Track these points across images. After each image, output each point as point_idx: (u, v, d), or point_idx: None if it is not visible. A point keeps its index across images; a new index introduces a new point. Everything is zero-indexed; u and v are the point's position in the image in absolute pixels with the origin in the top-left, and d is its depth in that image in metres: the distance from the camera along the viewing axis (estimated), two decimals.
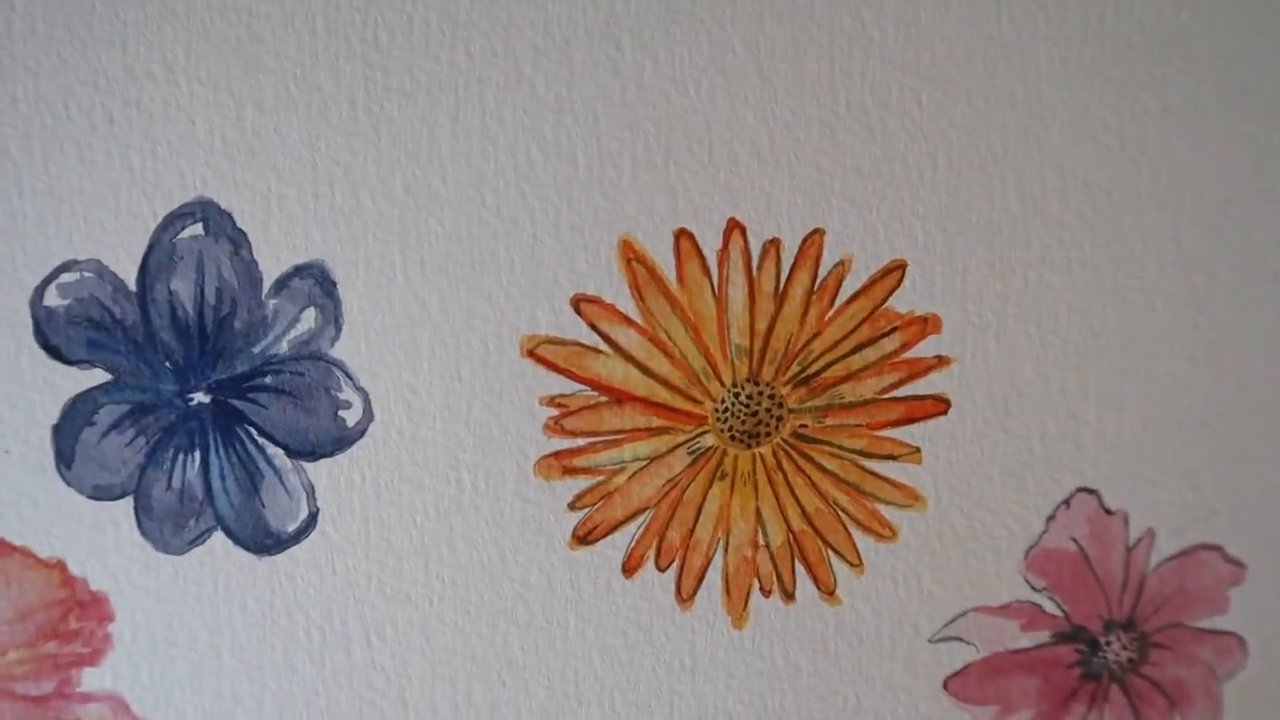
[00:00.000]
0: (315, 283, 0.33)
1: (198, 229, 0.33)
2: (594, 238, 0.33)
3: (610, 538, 0.34)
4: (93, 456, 0.34)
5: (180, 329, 0.34)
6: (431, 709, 0.34)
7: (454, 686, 0.34)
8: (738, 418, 0.33)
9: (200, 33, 0.33)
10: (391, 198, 0.33)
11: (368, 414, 0.34)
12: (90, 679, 0.35)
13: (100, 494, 0.34)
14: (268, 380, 0.34)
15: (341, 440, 0.34)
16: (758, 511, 0.33)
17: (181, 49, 0.33)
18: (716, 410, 0.33)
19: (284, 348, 0.33)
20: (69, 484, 0.34)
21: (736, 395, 0.33)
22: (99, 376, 0.34)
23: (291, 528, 0.34)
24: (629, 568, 0.34)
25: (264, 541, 0.34)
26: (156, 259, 0.33)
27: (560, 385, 0.33)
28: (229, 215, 0.33)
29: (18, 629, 0.35)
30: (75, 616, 0.35)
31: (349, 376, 0.33)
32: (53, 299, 0.34)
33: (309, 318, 0.33)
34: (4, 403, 0.34)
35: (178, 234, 0.33)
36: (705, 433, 0.33)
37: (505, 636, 0.34)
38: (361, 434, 0.34)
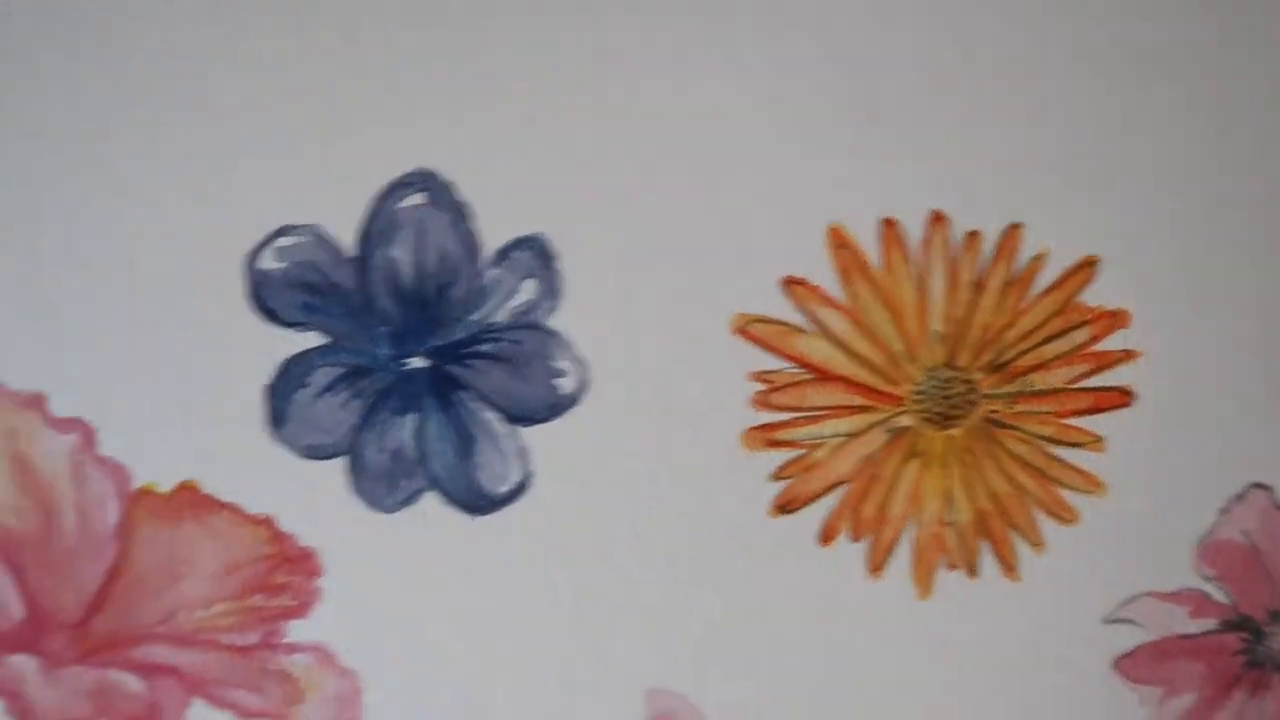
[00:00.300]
0: (535, 255, 0.34)
1: (419, 198, 0.34)
2: (804, 224, 0.34)
3: (809, 508, 0.36)
4: (306, 417, 0.35)
5: (398, 296, 0.34)
6: (635, 669, 0.36)
7: (658, 647, 0.36)
8: (933, 400, 0.35)
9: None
10: (615, 175, 0.34)
11: (583, 383, 0.35)
12: (297, 631, 0.36)
13: (313, 454, 0.35)
14: (485, 347, 0.35)
15: (555, 407, 0.35)
16: (948, 490, 0.36)
17: None
18: (914, 392, 0.35)
19: (502, 317, 0.34)
20: (282, 443, 0.35)
21: (933, 379, 0.35)
22: (314, 340, 0.35)
23: (504, 489, 0.35)
24: (825, 537, 0.36)
25: (476, 502, 0.35)
26: (377, 226, 0.34)
27: (768, 362, 0.35)
28: (449, 186, 0.34)
29: (224, 582, 0.36)
30: (283, 571, 0.36)
31: (565, 346, 0.35)
32: (269, 262, 0.34)
33: (528, 288, 0.34)
34: (220, 364, 0.35)
35: (399, 202, 0.34)
36: (902, 413, 0.35)
37: (707, 600, 0.36)
38: (574, 401, 0.35)
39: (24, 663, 0.37)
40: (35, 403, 0.35)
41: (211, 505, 0.36)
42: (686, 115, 0.34)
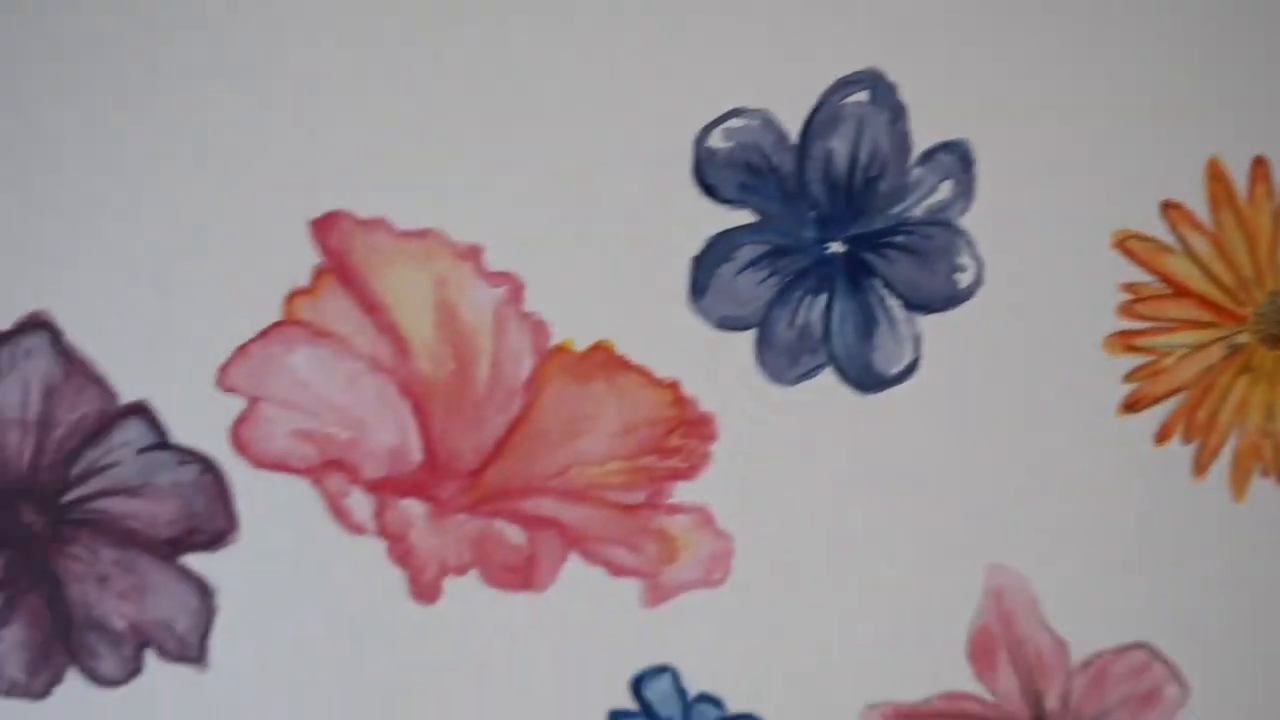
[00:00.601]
0: (957, 159, 0.37)
1: (863, 96, 0.37)
2: (1186, 156, 0.38)
3: (1150, 410, 0.40)
4: (725, 290, 0.37)
5: (830, 184, 0.37)
6: (978, 545, 0.40)
7: (1000, 525, 0.40)
8: (1270, 322, 0.40)
9: None
10: (1034, 93, 0.37)
11: (978, 279, 0.38)
12: (681, 492, 0.39)
13: (726, 324, 0.38)
14: (899, 239, 0.38)
15: (952, 299, 0.38)
16: (1271, 404, 0.40)
17: None
18: (1255, 313, 0.40)
19: (919, 212, 0.38)
20: (698, 313, 0.38)
21: (1274, 303, 0.40)
22: (743, 218, 0.37)
23: (895, 370, 0.38)
24: (1161, 436, 0.40)
25: (867, 381, 0.38)
26: (821, 118, 0.37)
27: (1136, 275, 0.39)
28: (894, 87, 0.37)
29: (621, 441, 0.38)
30: (679, 434, 0.38)
31: (970, 245, 0.38)
32: (717, 141, 0.36)
33: (945, 189, 0.37)
34: (652, 233, 0.37)
35: (845, 98, 0.37)
36: (1241, 331, 0.40)
37: (1048, 484, 0.40)
38: (969, 295, 0.38)
39: (413, 507, 0.38)
40: (471, 254, 0.37)
41: (622, 366, 0.38)
42: (1101, 49, 0.37)
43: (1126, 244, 0.39)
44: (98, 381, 0.37)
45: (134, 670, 0.39)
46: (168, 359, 0.37)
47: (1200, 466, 0.40)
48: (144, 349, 0.37)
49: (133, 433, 0.38)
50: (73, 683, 0.39)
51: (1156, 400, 0.40)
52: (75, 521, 0.38)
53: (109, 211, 0.36)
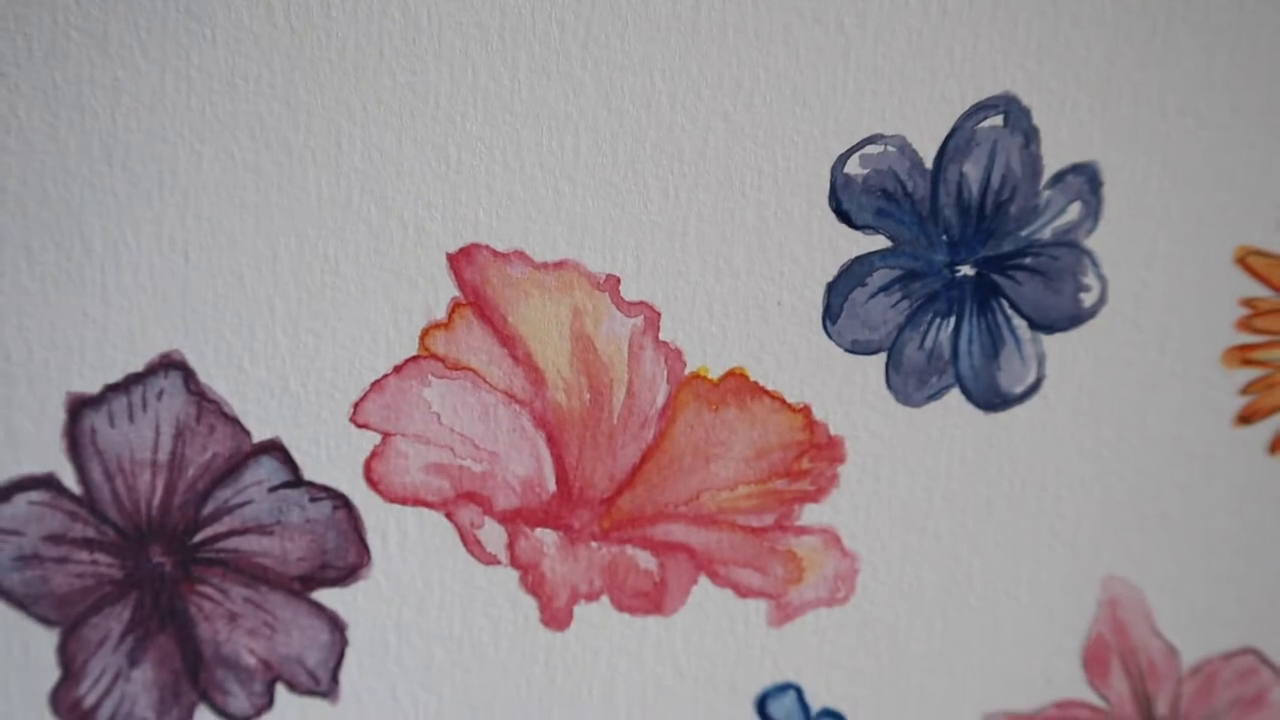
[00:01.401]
0: (1085, 181, 0.38)
1: (998, 120, 0.37)
2: None
3: (1266, 421, 0.41)
4: (858, 314, 0.38)
5: (962, 208, 0.38)
6: (1094, 555, 0.41)
7: (1115, 536, 0.41)
8: None
9: None
10: (1156, 114, 0.38)
11: (1102, 299, 0.39)
12: (809, 514, 0.40)
13: (857, 349, 0.39)
14: (1027, 261, 0.39)
15: (1076, 318, 0.39)
16: None
17: None
18: None
19: (1047, 234, 0.38)
20: (830, 337, 0.38)
21: None
22: (878, 243, 0.38)
23: (1019, 389, 0.40)
24: (1275, 447, 0.42)
25: (993, 400, 0.39)
26: (956, 143, 0.37)
27: (1256, 290, 0.40)
28: (1027, 111, 0.37)
29: (752, 466, 0.39)
30: (809, 457, 0.39)
31: (1094, 265, 0.39)
32: (854, 168, 0.37)
33: (1073, 210, 0.38)
34: (788, 259, 0.37)
35: (979, 123, 0.37)
36: None
37: (1164, 495, 0.41)
38: (1093, 314, 0.39)
39: (546, 537, 0.39)
40: (609, 284, 0.37)
41: (756, 391, 0.39)
42: (1220, 69, 0.38)
43: (1246, 259, 0.40)
44: (230, 421, 0.38)
45: (264, 705, 0.40)
46: (300, 397, 0.37)
47: None
48: (277, 387, 0.37)
49: (264, 471, 0.38)
50: None
51: (1272, 412, 0.41)
52: (206, 561, 0.39)
53: (242, 251, 0.36)
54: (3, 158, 0.35)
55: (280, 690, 0.40)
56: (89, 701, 0.40)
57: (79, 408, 0.37)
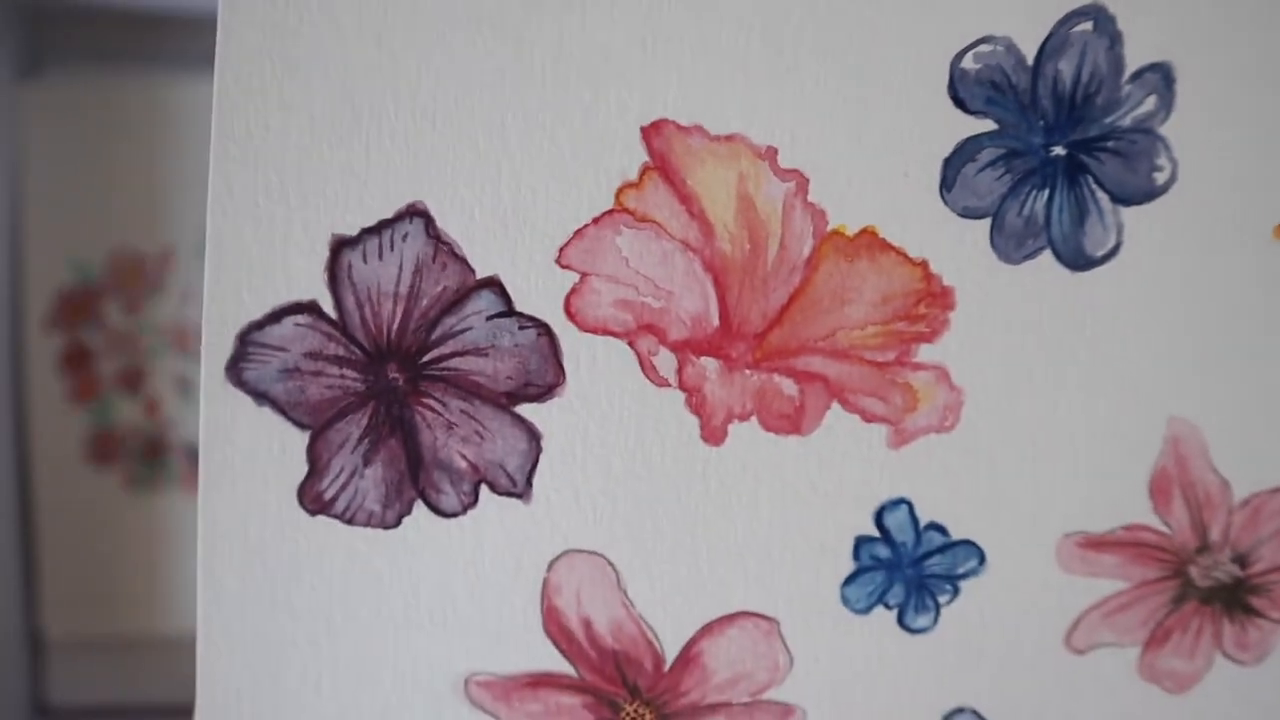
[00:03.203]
0: (1161, 78, 0.49)
1: (1088, 25, 0.48)
2: None
3: None
4: (968, 185, 0.49)
5: (1057, 98, 0.48)
6: (1156, 397, 0.52)
7: (1178, 379, 0.52)
8: None
9: None
10: (1226, 19, 0.48)
11: (1173, 177, 0.50)
12: (923, 353, 0.50)
13: (967, 214, 0.49)
14: (1109, 144, 0.49)
15: (1150, 194, 0.50)
16: None
17: None
18: None
19: (1127, 122, 0.49)
20: (945, 204, 0.49)
21: None
22: (986, 126, 0.48)
23: (1100, 253, 0.50)
24: None
25: (1078, 261, 0.50)
26: (1052, 44, 0.48)
27: None
28: (1113, 18, 0.48)
29: (879, 309, 0.50)
30: (925, 304, 0.50)
31: (1167, 149, 0.49)
32: (969, 63, 0.48)
33: (1150, 102, 0.49)
34: (914, 137, 0.48)
35: (1073, 28, 0.48)
36: None
37: (1219, 350, 0.51)
38: (1164, 191, 0.50)
39: (708, 364, 0.50)
40: (769, 154, 0.48)
41: (884, 247, 0.49)
42: None
43: None
44: (459, 260, 0.49)
45: (470, 503, 0.51)
46: (517, 241, 0.49)
47: None
48: (498, 233, 0.48)
49: (484, 303, 0.49)
50: (419, 514, 0.51)
51: None
52: (431, 378, 0.50)
53: (478, 121, 0.47)
54: (295, 47, 0.46)
55: (483, 491, 0.51)
56: (329, 494, 0.51)
57: (339, 247, 0.48)
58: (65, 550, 1.06)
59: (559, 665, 0.53)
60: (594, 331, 0.50)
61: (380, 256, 0.49)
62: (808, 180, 0.49)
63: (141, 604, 1.07)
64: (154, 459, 1.12)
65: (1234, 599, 0.55)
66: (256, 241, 0.48)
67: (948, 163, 0.49)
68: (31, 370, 1.12)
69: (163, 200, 1.11)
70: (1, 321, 1.10)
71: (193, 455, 1.12)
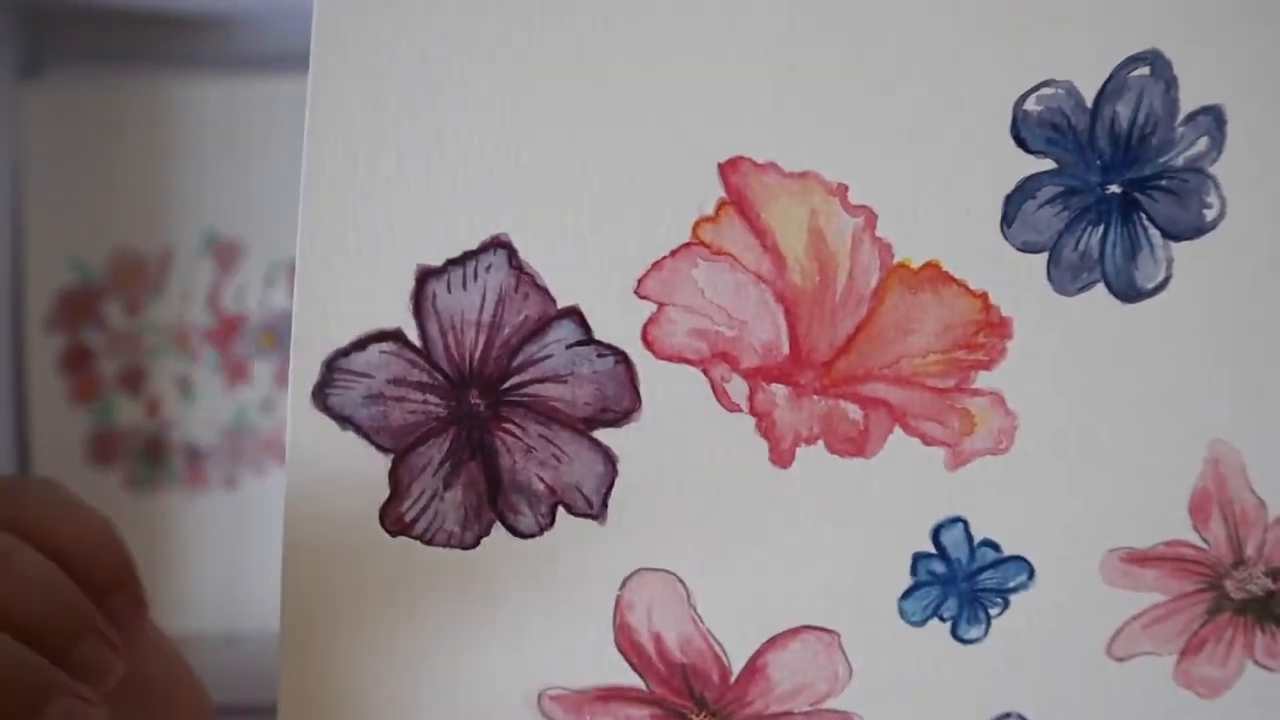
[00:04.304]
0: (1213, 120, 0.52)
1: (1145, 70, 0.51)
2: None
3: None
4: (1028, 221, 0.52)
5: (1114, 139, 0.52)
6: (1196, 424, 0.55)
7: (1215, 401, 0.55)
8: None
9: None
10: (1277, 65, 0.52)
11: (1221, 214, 0.53)
12: (981, 379, 0.54)
13: (1026, 248, 0.53)
14: (1162, 182, 0.53)
15: (1199, 229, 0.54)
16: None
17: None
18: None
19: (1180, 162, 0.52)
20: (1005, 238, 0.52)
21: None
22: (1046, 164, 0.52)
23: (1151, 285, 0.54)
24: None
25: (1130, 293, 0.54)
26: (1111, 87, 0.52)
27: None
28: (1169, 63, 0.51)
29: (940, 338, 0.53)
30: (984, 334, 0.53)
31: (1217, 187, 0.53)
32: (1031, 105, 0.51)
33: (1201, 144, 0.52)
34: (977, 175, 0.51)
35: (1131, 72, 0.51)
36: None
37: (1259, 376, 0.55)
38: (1214, 227, 0.53)
39: (778, 391, 0.53)
40: (839, 190, 0.51)
41: (946, 280, 0.53)
42: None
43: None
44: (540, 290, 0.52)
45: (548, 524, 0.54)
46: (597, 272, 0.51)
47: None
48: (579, 265, 0.51)
49: (564, 331, 0.52)
50: (496, 535, 0.54)
51: None
52: (511, 403, 0.53)
53: (560, 155, 0.50)
54: (385, 87, 0.49)
55: (560, 512, 0.54)
56: (409, 516, 0.54)
57: (425, 277, 0.51)
58: None
59: (629, 679, 0.56)
60: (669, 359, 0.53)
61: (464, 286, 0.51)
62: (876, 215, 0.52)
63: None
64: (154, 459, 1.14)
65: (1266, 611, 0.59)
66: (345, 272, 0.51)
67: (1009, 199, 0.53)
68: (32, 370, 1.13)
69: (163, 200, 1.13)
70: (2, 321, 1.11)
71: (193, 455, 1.14)
